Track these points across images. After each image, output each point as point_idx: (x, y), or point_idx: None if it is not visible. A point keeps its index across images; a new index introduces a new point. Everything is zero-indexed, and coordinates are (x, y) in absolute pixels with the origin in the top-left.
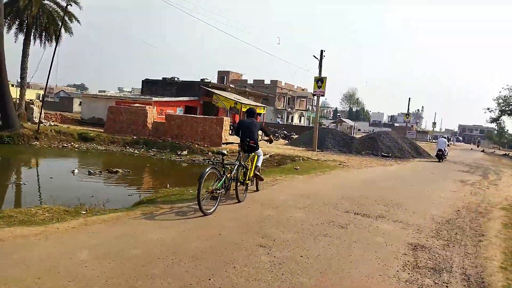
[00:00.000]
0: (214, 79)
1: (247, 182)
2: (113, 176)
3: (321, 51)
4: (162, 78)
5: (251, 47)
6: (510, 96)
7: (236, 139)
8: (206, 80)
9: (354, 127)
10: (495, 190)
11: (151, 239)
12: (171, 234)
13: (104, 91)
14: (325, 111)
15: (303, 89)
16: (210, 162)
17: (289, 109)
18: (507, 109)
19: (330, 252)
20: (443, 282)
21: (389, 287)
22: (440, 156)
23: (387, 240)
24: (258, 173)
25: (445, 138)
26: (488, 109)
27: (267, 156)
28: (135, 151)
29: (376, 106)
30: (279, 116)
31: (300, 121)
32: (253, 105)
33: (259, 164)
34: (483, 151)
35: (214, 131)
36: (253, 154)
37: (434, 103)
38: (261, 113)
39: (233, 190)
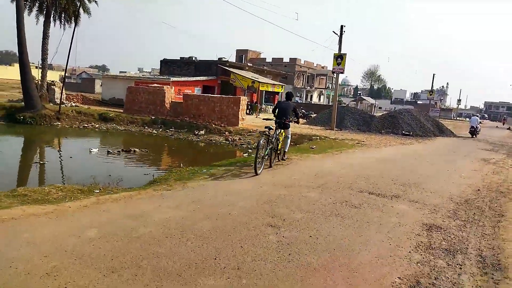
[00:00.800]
0: (232, 58)
1: (278, 152)
2: (131, 155)
3: (341, 26)
4: (180, 58)
5: (270, 25)
6: None
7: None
8: (223, 59)
9: (375, 105)
10: None
11: (160, 218)
12: (181, 214)
13: (125, 72)
14: (345, 89)
15: (322, 67)
16: (263, 134)
17: (308, 87)
18: None
19: (340, 232)
20: (457, 264)
21: (399, 268)
22: (473, 132)
23: (401, 220)
24: (285, 154)
25: (477, 116)
26: None
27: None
28: (154, 131)
29: (399, 83)
30: (298, 94)
31: (319, 99)
32: (271, 84)
33: (286, 148)
34: (509, 128)
35: (231, 111)
36: (283, 131)
37: (460, 79)
38: (278, 92)
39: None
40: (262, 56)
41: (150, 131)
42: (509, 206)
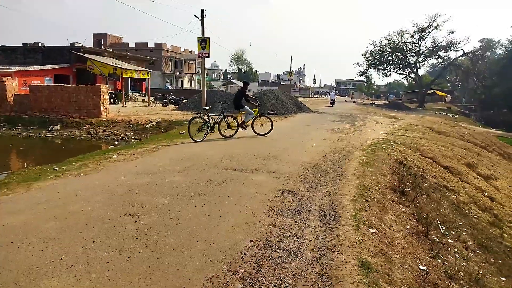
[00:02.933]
0: (88, 43)
1: (234, 127)
2: None
3: (202, 10)
4: (23, 44)
5: (131, 9)
6: (375, 51)
7: None
8: (77, 45)
9: None
10: (359, 134)
11: None
12: (22, 218)
13: None
14: (215, 73)
15: (190, 52)
16: (196, 113)
17: (178, 73)
18: (372, 62)
19: (201, 210)
20: (302, 220)
21: (252, 233)
22: (333, 103)
23: (258, 190)
24: (244, 124)
25: (335, 92)
26: (357, 63)
27: (153, 123)
28: None
29: (264, 66)
30: (168, 80)
31: (190, 85)
32: (136, 70)
33: (246, 120)
34: (354, 102)
35: (90, 101)
36: (241, 111)
37: (314, 61)
38: (145, 78)
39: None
40: (124, 40)
41: None
42: (348, 166)
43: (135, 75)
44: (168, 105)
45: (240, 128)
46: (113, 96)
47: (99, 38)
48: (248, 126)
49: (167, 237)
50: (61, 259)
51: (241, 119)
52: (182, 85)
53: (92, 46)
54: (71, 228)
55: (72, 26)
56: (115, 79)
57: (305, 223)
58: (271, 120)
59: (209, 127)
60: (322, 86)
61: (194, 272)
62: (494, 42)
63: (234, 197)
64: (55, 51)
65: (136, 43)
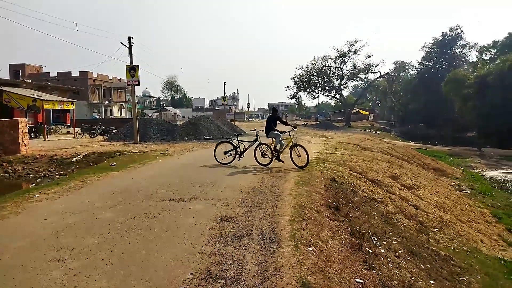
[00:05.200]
0: (4, 74)
1: (268, 154)
2: None
3: (129, 38)
4: None
5: (52, 38)
6: (303, 75)
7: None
8: None
9: (178, 115)
10: None
11: None
12: None
13: None
14: (147, 100)
15: (119, 80)
16: (225, 138)
17: (106, 102)
18: (301, 85)
19: (136, 247)
20: (243, 246)
21: (192, 265)
22: None
23: (197, 219)
24: (277, 153)
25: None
26: (288, 87)
27: (80, 156)
28: None
29: (198, 92)
30: (95, 110)
31: (121, 113)
32: (58, 101)
33: (277, 147)
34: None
35: (7, 137)
36: (271, 137)
37: (247, 85)
38: (69, 109)
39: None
40: (45, 70)
41: None
42: (284, 187)
43: (58, 106)
44: (96, 136)
45: (275, 159)
46: (33, 129)
47: (16, 69)
48: (281, 154)
49: (98, 281)
50: None
51: (273, 147)
52: (111, 114)
53: (8, 78)
54: None
55: None
56: (35, 111)
57: (245, 249)
58: (305, 150)
59: (239, 153)
60: (256, 109)
61: None
62: (406, 64)
63: (171, 229)
64: None
65: (58, 72)
